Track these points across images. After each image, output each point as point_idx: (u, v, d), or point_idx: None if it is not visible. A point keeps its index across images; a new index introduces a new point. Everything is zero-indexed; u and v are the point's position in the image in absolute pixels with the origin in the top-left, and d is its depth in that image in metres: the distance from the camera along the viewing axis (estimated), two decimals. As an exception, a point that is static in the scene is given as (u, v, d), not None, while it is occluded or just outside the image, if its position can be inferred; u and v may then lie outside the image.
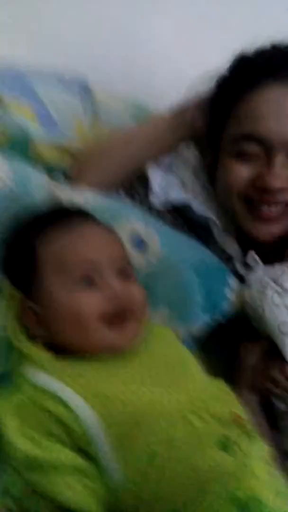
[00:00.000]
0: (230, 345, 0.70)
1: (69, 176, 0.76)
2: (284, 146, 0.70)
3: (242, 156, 0.73)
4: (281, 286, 0.70)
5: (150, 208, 0.85)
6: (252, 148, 0.72)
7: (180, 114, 0.80)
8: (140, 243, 0.72)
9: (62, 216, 0.57)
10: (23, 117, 0.68)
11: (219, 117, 0.76)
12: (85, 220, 0.58)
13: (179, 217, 0.89)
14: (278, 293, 0.69)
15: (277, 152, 0.71)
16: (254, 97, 0.72)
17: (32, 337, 0.53)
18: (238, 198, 0.76)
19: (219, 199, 0.82)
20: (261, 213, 0.74)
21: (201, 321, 0.69)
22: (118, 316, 0.52)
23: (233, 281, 0.74)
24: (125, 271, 0.55)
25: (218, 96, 0.77)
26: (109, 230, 0.59)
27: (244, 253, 0.85)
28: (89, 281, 0.52)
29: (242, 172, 0.73)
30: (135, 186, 0.88)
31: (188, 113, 0.79)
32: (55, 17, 0.95)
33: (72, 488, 0.43)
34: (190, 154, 0.88)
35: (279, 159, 0.71)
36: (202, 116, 0.79)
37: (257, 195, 0.73)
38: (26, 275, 0.54)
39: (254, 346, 0.68)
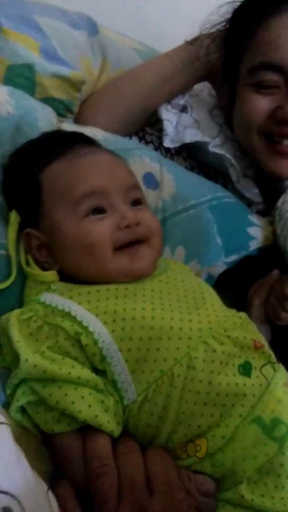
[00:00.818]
0: (238, 285, 0.67)
1: (73, 111, 0.72)
2: None
3: (261, 87, 0.69)
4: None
5: (164, 154, 0.81)
6: (272, 77, 0.67)
7: (194, 46, 0.75)
8: (154, 182, 0.69)
9: (65, 143, 0.54)
10: (27, 48, 0.65)
11: (236, 48, 0.71)
12: (90, 147, 0.55)
13: (196, 165, 0.85)
14: None
15: None
16: (274, 24, 0.67)
17: (41, 269, 0.51)
18: (257, 133, 0.71)
19: (238, 137, 0.77)
20: (282, 148, 0.70)
21: (221, 262, 0.65)
22: (131, 244, 0.49)
23: (256, 219, 0.70)
24: (136, 198, 0.53)
25: (235, 26, 0.73)
26: (116, 157, 0.56)
27: (264, 198, 0.81)
28: (99, 209, 0.49)
29: (261, 104, 0.69)
30: (148, 132, 0.84)
31: (203, 44, 0.74)
32: None
33: (86, 401, 0.41)
34: (205, 95, 0.84)
35: None
36: (217, 48, 0.74)
37: (277, 128, 0.69)
38: (32, 208, 0.51)
39: (261, 284, 0.65)
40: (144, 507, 0.39)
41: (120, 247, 0.48)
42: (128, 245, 0.49)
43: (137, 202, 0.52)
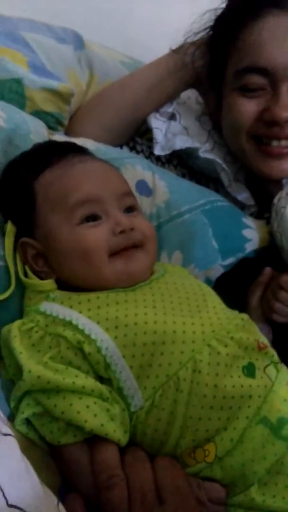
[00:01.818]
0: (235, 287, 0.67)
1: (64, 124, 0.73)
2: None
3: (247, 91, 0.70)
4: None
5: (155, 163, 0.82)
6: (257, 80, 0.68)
7: (179, 54, 0.76)
8: (147, 189, 0.69)
9: (58, 153, 0.54)
10: (15, 62, 0.65)
11: (220, 53, 0.73)
12: (82, 156, 0.55)
13: (187, 172, 0.86)
14: None
15: (283, 81, 0.67)
16: (256, 27, 0.68)
17: (39, 278, 0.50)
18: (246, 137, 0.72)
19: (227, 141, 0.78)
20: (271, 149, 0.71)
21: (218, 265, 0.66)
22: (126, 249, 0.49)
23: (250, 221, 0.70)
24: (130, 205, 0.53)
25: (218, 32, 0.74)
26: (109, 165, 0.56)
27: (256, 201, 0.81)
28: (94, 216, 0.49)
29: (248, 108, 0.70)
30: (138, 142, 0.84)
31: (188, 52, 0.76)
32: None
33: (91, 410, 0.40)
34: (193, 102, 0.85)
35: (285, 89, 0.67)
36: (202, 55, 0.76)
37: (265, 130, 0.70)
38: (27, 217, 0.51)
39: (255, 284, 0.65)
40: None
41: (116, 253, 0.48)
42: (124, 249, 0.49)
43: (131, 209, 0.53)
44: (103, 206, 0.49)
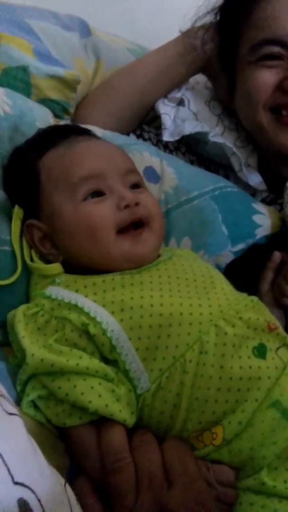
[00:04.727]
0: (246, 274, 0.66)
1: (70, 112, 0.73)
2: None
3: (265, 61, 0.69)
4: None
5: (163, 150, 0.81)
6: (275, 50, 0.68)
7: (188, 37, 0.75)
8: (155, 176, 0.68)
9: (61, 134, 0.54)
10: (21, 50, 0.65)
11: (232, 32, 0.71)
12: (86, 135, 0.55)
13: (196, 159, 0.85)
14: None
15: None
16: (269, 1, 0.67)
17: (46, 262, 0.50)
18: (264, 109, 0.71)
19: (242, 120, 0.77)
20: None
21: (228, 251, 0.65)
22: (133, 225, 0.48)
23: (260, 207, 0.69)
24: (134, 182, 0.52)
25: (228, 12, 0.73)
26: (113, 144, 0.55)
27: (268, 186, 0.80)
28: (98, 193, 0.49)
29: (266, 78, 0.69)
30: (145, 129, 0.84)
31: (197, 36, 0.74)
32: None
33: (96, 391, 0.40)
34: (201, 87, 0.84)
35: None
36: (212, 37, 0.74)
37: (283, 99, 0.69)
38: (32, 199, 0.51)
39: (265, 271, 0.64)
40: (164, 500, 0.38)
41: (123, 231, 0.48)
42: (130, 226, 0.48)
43: (136, 186, 0.52)
44: (107, 182, 0.49)
